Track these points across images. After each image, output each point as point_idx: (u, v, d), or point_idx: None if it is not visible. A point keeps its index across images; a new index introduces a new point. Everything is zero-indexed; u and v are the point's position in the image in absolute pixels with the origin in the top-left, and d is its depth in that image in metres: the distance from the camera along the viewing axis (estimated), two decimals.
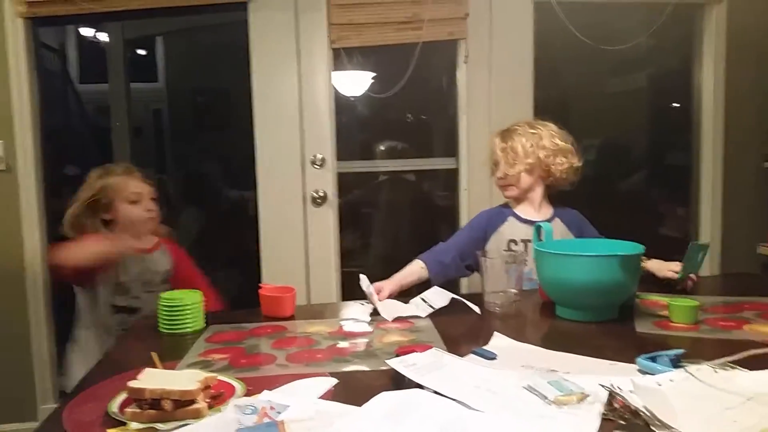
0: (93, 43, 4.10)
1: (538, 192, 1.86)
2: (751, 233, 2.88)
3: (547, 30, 2.71)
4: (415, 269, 1.76)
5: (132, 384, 0.92)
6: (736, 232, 2.89)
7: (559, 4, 2.62)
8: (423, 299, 1.55)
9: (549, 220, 1.81)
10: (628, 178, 3.54)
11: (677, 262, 1.67)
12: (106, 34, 3.62)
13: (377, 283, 1.63)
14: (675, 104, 3.37)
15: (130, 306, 1.91)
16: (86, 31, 4.24)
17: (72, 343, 2.01)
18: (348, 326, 1.41)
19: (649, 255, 1.63)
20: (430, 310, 1.48)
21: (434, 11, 2.58)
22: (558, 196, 1.91)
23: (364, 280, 1.58)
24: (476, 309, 1.48)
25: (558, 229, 1.80)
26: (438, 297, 1.53)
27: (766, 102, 2.90)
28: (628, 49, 2.78)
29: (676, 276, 1.63)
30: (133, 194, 1.95)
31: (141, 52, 4.63)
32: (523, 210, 1.86)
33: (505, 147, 1.86)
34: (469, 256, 1.78)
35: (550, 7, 2.64)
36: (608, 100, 3.46)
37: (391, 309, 1.50)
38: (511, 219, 1.85)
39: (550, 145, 1.83)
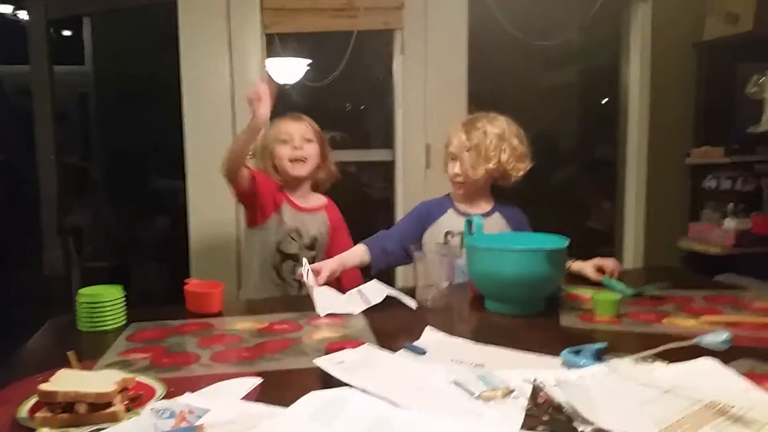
0: (11, 21, 3.88)
1: (482, 188, 1.86)
2: (672, 227, 3.00)
3: (482, 23, 2.73)
4: (358, 252, 1.74)
5: (43, 387, 0.86)
6: (659, 225, 3.00)
7: None
8: (360, 291, 1.53)
9: (488, 214, 1.82)
10: (557, 171, 3.62)
11: (598, 258, 1.73)
12: (26, 12, 3.42)
13: (316, 264, 1.61)
14: (604, 99, 3.47)
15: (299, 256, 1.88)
16: (3, 8, 4.01)
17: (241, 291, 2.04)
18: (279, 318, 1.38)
19: (577, 247, 1.60)
20: (364, 307, 1.46)
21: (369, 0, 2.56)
22: (494, 190, 1.91)
23: (305, 264, 1.57)
24: (412, 304, 1.46)
25: (497, 224, 1.81)
26: (375, 292, 1.50)
27: (689, 99, 3.02)
28: (560, 44, 2.83)
29: (599, 278, 1.68)
30: (284, 134, 1.91)
31: (66, 33, 4.41)
32: (463, 203, 1.86)
33: (470, 147, 1.76)
34: (409, 245, 1.77)
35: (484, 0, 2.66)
36: (540, 95, 3.53)
37: (326, 300, 1.48)
38: (450, 211, 1.85)
39: (511, 149, 1.76)
